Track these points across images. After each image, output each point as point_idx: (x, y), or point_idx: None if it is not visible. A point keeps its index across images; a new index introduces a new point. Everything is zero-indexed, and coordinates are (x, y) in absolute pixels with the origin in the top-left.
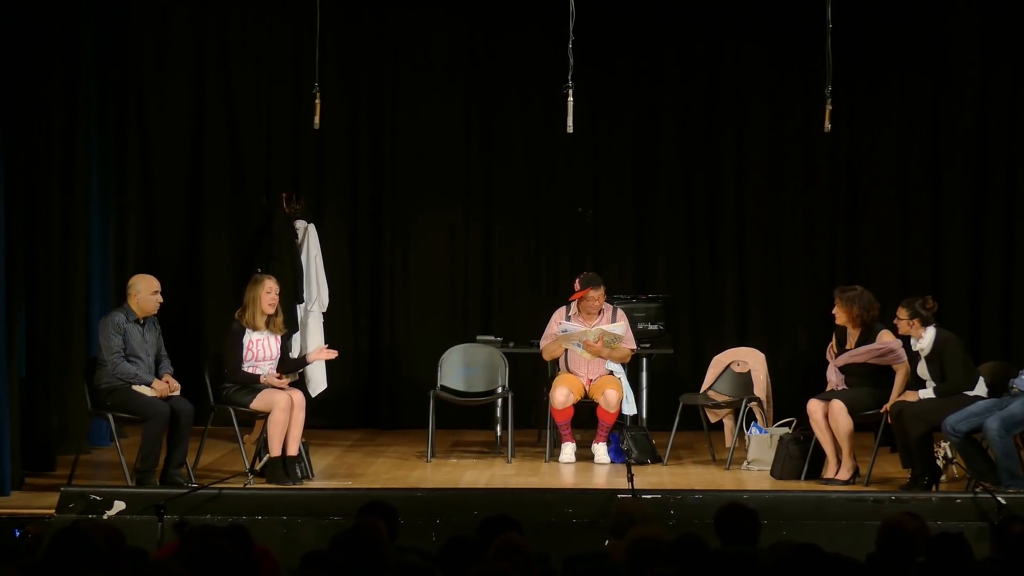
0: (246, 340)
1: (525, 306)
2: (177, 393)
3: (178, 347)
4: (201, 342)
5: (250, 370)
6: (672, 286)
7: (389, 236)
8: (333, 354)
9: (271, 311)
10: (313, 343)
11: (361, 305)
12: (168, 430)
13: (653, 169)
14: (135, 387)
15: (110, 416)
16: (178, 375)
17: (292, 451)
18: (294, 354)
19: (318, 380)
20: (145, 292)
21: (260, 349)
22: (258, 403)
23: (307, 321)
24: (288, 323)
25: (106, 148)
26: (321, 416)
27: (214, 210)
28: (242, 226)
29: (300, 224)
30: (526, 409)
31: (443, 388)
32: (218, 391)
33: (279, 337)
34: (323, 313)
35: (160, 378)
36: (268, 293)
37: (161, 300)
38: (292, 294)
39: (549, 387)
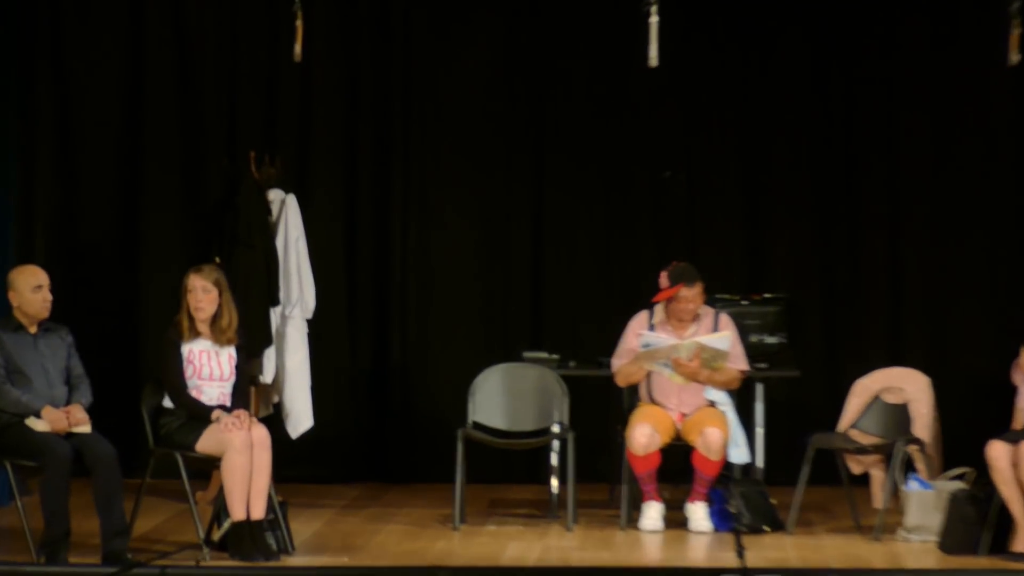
0: (186, 350)
1: (590, 311)
2: (83, 428)
3: (108, 367)
4: (138, 359)
5: (193, 393)
6: (797, 283)
7: (400, 214)
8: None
9: (203, 316)
10: (294, 362)
11: (361, 310)
12: (95, 487)
13: (768, 120)
14: (26, 420)
15: (7, 464)
16: (113, 406)
17: (258, 512)
18: (267, 377)
19: (299, 414)
20: (24, 289)
21: (202, 364)
22: (206, 444)
23: (285, 331)
24: (255, 333)
25: (3, 92)
26: (306, 465)
27: (157, 177)
28: (195, 199)
29: (275, 195)
30: (592, 455)
31: (476, 426)
32: (158, 428)
33: (233, 352)
34: (307, 320)
35: (67, 406)
36: (192, 292)
37: (49, 298)
38: (264, 293)
39: (625, 424)
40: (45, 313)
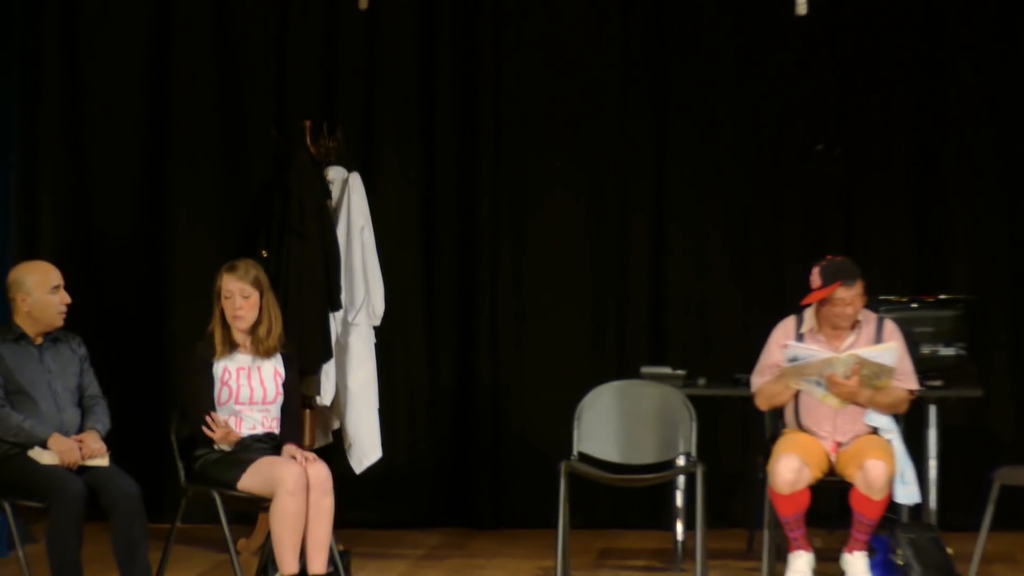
0: (217, 371)
1: (723, 316)
2: (99, 460)
3: (129, 385)
4: (166, 376)
5: (231, 421)
6: (980, 282)
7: (489, 198)
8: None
9: (243, 326)
10: (358, 379)
11: (441, 315)
12: (113, 533)
13: (947, 80)
14: (30, 451)
15: (6, 506)
16: (136, 433)
17: (317, 567)
18: (325, 399)
19: (365, 444)
20: (38, 290)
21: (240, 386)
22: (251, 481)
23: (347, 342)
24: (310, 345)
25: (3, 59)
26: (373, 507)
27: (188, 154)
28: (235, 179)
29: (335, 174)
30: (727, 494)
31: (583, 458)
32: (191, 461)
33: (279, 365)
34: (374, 328)
35: (80, 434)
36: (229, 298)
37: (67, 301)
38: (321, 295)
39: (768, 455)
40: (61, 320)
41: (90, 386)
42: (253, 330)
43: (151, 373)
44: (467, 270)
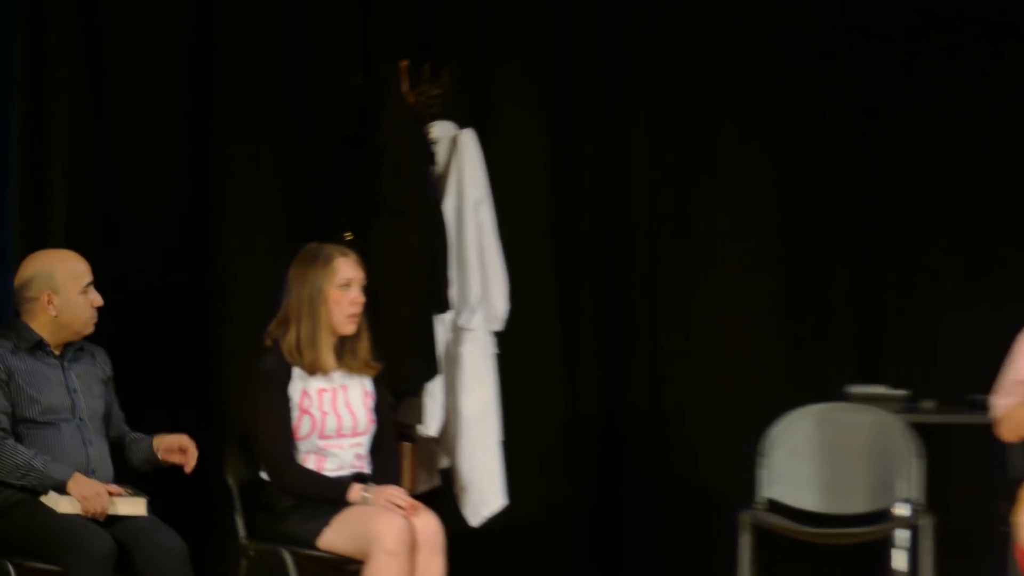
0: (296, 390)
1: (954, 322)
2: (133, 509)
3: (168, 411)
4: (217, 401)
5: (311, 461)
6: None
7: (642, 167)
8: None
9: (351, 328)
10: (474, 402)
11: (581, 319)
12: None
13: None
14: (43, 497)
15: (9, 568)
16: (179, 473)
17: None
18: (430, 428)
19: (484, 488)
20: (70, 288)
21: (326, 412)
22: (335, 539)
23: (460, 353)
24: (408, 357)
25: None
26: (496, 566)
27: (244, 105)
28: (307, 139)
29: (442, 130)
30: (962, 551)
31: (772, 506)
32: (252, 511)
33: (368, 385)
34: (494, 334)
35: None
36: (346, 287)
37: (99, 303)
38: (422, 291)
39: (1014, 502)
40: (91, 327)
41: (114, 413)
42: (350, 341)
43: (196, 395)
44: (615, 262)
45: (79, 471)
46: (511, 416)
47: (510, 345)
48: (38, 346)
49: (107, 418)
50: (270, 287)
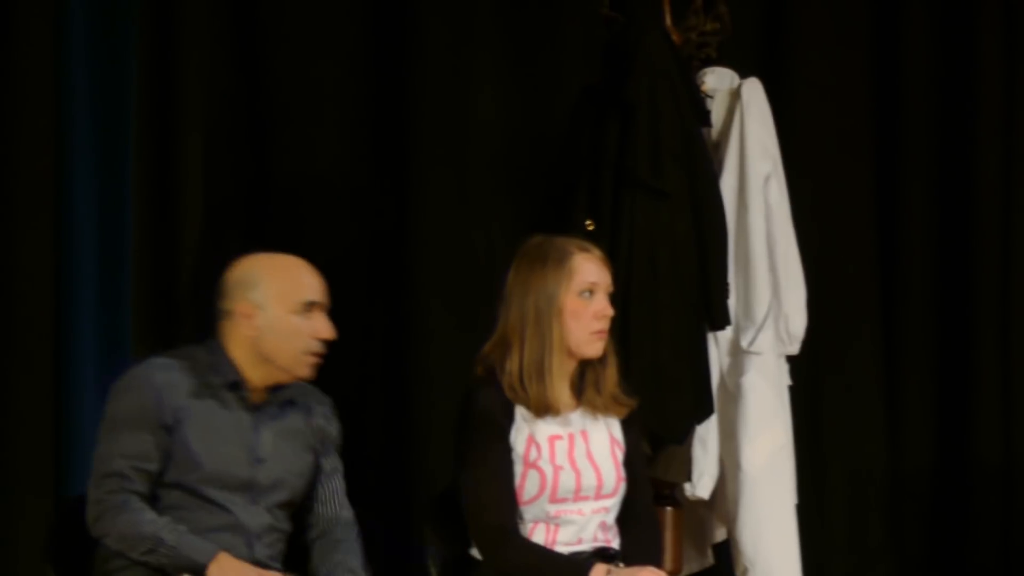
0: (519, 437)
1: None
2: None
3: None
4: (410, 445)
5: (538, 533)
6: None
7: (995, 147)
8: None
9: (595, 350)
10: (759, 452)
11: (908, 347)
12: None
13: None
14: None
15: None
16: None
17: None
18: (701, 489)
19: (774, 567)
20: (280, 304)
21: (559, 466)
22: None
23: (741, 384)
24: (670, 391)
25: None
26: None
27: (440, 51)
28: (533, 95)
29: (717, 81)
30: None
31: None
32: None
33: (616, 430)
34: (788, 360)
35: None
36: (590, 295)
37: (330, 335)
38: (690, 300)
39: None
40: (308, 370)
41: (337, 498)
42: (597, 368)
43: (380, 436)
44: (955, 265)
45: (229, 547)
46: (810, 472)
47: (810, 374)
48: (235, 386)
49: (310, 498)
50: (481, 295)
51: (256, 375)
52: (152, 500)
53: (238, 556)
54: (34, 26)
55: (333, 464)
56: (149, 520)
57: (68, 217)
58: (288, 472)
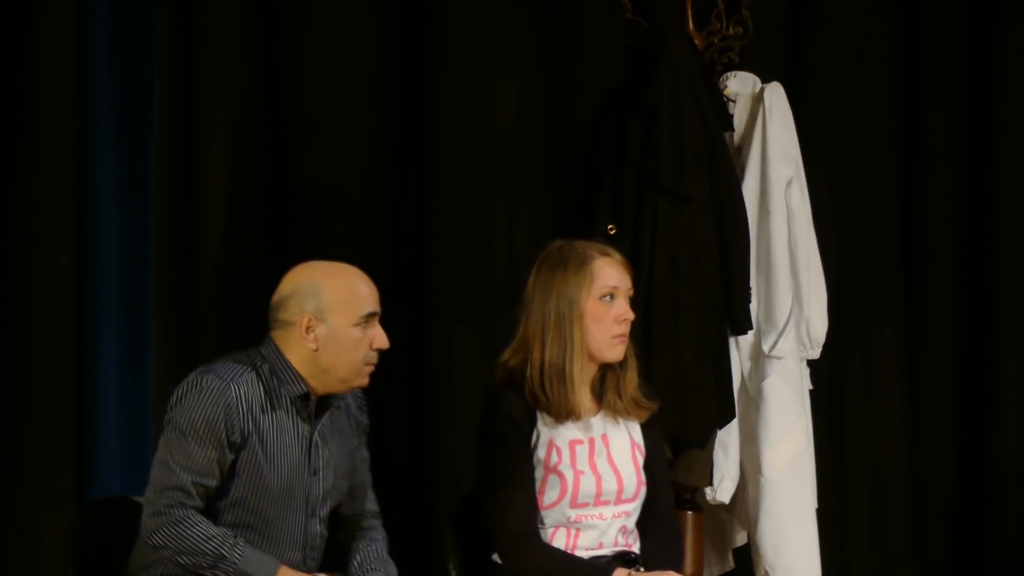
0: (540, 442)
1: None
2: None
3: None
4: (436, 450)
5: (559, 538)
6: None
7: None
8: None
9: (616, 354)
10: (779, 457)
11: (928, 351)
12: None
13: None
14: None
15: None
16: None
17: None
18: (722, 494)
19: (793, 570)
20: (343, 316)
21: (580, 471)
22: None
23: (763, 389)
24: (692, 396)
25: None
26: None
27: (463, 52)
28: (554, 97)
29: (739, 85)
30: None
31: None
32: None
33: (637, 434)
34: (809, 364)
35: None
36: (611, 299)
37: (385, 345)
38: (712, 305)
39: None
40: (366, 379)
41: (365, 490)
42: (617, 372)
43: (402, 440)
44: (980, 265)
45: (288, 560)
46: (832, 475)
47: (831, 379)
48: (304, 399)
49: (348, 491)
50: (503, 299)
51: (316, 385)
52: (214, 515)
53: (294, 567)
54: (57, 32)
55: (363, 456)
56: (210, 535)
57: (91, 221)
58: (338, 477)
